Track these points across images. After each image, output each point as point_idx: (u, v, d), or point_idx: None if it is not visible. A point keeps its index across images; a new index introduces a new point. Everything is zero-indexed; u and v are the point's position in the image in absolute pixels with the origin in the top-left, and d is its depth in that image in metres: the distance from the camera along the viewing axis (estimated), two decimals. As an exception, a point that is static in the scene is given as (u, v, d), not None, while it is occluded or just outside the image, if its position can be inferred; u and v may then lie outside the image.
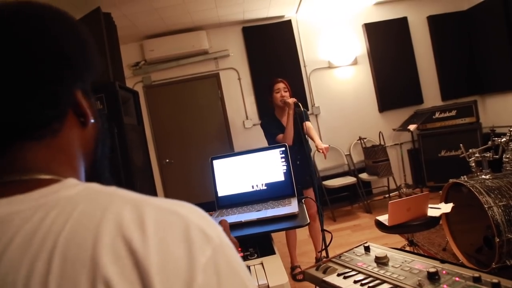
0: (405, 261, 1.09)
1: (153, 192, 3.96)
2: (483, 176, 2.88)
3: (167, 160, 5.16)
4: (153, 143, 5.16)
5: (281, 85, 3.25)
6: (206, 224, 0.47)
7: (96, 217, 0.43)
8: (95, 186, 0.48)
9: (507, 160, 2.70)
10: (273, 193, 1.66)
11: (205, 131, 5.22)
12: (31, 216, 0.42)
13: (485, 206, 2.54)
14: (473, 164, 3.07)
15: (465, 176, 3.00)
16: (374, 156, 4.78)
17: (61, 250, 0.40)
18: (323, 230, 1.74)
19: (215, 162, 1.75)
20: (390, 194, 5.17)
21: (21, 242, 0.41)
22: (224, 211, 1.63)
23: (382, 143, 4.93)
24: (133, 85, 5.09)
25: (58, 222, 0.42)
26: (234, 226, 1.42)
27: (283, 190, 1.66)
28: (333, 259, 1.19)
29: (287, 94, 3.24)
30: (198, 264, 0.43)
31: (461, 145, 3.16)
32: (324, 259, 1.21)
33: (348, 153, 5.29)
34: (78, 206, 0.43)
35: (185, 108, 5.20)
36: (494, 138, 2.91)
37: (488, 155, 2.90)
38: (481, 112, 5.26)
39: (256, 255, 1.26)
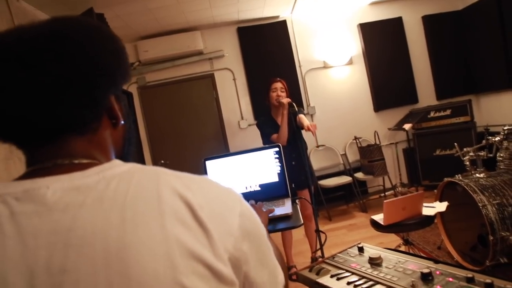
0: (399, 261, 1.09)
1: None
2: (477, 175, 2.89)
3: (162, 161, 5.13)
4: (148, 144, 5.14)
5: (278, 85, 3.23)
6: (229, 190, 0.63)
7: (153, 182, 0.55)
8: (139, 165, 0.59)
9: (501, 159, 2.71)
10: (267, 194, 1.66)
11: (200, 132, 5.20)
12: (95, 186, 0.53)
13: (479, 204, 2.55)
14: (468, 163, 3.08)
15: (459, 175, 3.01)
16: (370, 156, 4.78)
17: (130, 204, 0.52)
18: (317, 231, 1.73)
19: (208, 163, 1.75)
20: (386, 193, 5.18)
21: (91, 203, 0.51)
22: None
23: (378, 142, 4.94)
24: (127, 86, 5.06)
25: (121, 188, 0.53)
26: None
27: (277, 190, 1.65)
28: (327, 260, 1.18)
29: (283, 94, 3.22)
30: (235, 211, 0.59)
31: (455, 144, 3.17)
32: (318, 260, 1.20)
33: (344, 152, 5.29)
34: (134, 176, 0.55)
35: (180, 108, 5.18)
36: (488, 137, 2.92)
37: (483, 154, 2.92)
38: (476, 111, 5.27)
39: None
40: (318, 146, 5.28)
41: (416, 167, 5.17)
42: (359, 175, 5.00)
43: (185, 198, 0.54)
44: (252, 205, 1.32)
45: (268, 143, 3.26)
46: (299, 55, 5.27)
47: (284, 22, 5.22)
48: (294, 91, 5.16)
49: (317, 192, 4.91)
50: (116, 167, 0.57)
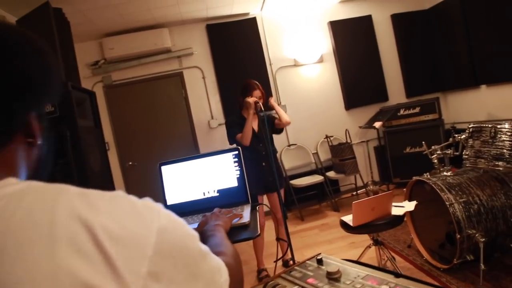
0: (358, 275, 1.02)
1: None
2: (445, 173, 2.91)
3: (130, 163, 4.98)
4: (115, 145, 4.96)
5: (258, 94, 3.17)
6: (146, 202, 0.56)
7: (48, 203, 0.47)
8: (38, 182, 0.52)
9: (466, 157, 2.72)
10: (225, 200, 1.57)
11: (169, 132, 5.06)
12: None
13: (446, 203, 2.55)
14: (436, 161, 3.09)
15: (427, 174, 3.01)
16: (341, 154, 4.77)
17: (14, 230, 0.44)
18: (278, 239, 1.66)
19: (163, 168, 1.65)
20: (358, 192, 5.19)
21: None
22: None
23: (349, 141, 4.93)
24: (92, 85, 4.87)
25: (7, 210, 0.45)
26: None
27: (236, 196, 1.57)
28: (283, 275, 1.11)
29: (261, 101, 3.13)
30: (151, 228, 0.52)
31: (423, 142, 3.18)
32: (270, 277, 1.12)
33: (315, 151, 5.27)
34: (26, 197, 0.48)
35: (148, 108, 5.02)
36: (455, 135, 2.94)
37: (449, 152, 2.93)
38: (444, 109, 5.36)
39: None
40: (289, 145, 5.24)
41: (387, 165, 5.20)
42: (331, 174, 4.98)
43: (85, 220, 0.47)
44: (212, 213, 1.24)
45: (233, 143, 3.24)
46: (269, 52, 5.21)
47: (254, 20, 5.14)
48: (265, 89, 5.06)
49: (289, 192, 4.87)
50: (9, 186, 0.49)
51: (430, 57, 5.46)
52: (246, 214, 1.41)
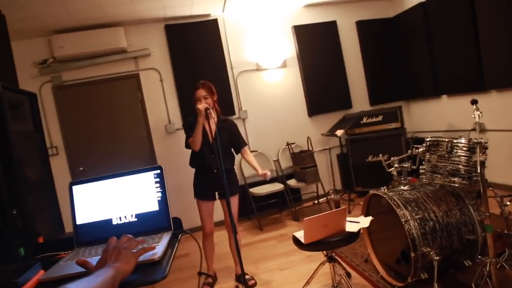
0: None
1: (54, 206, 3.49)
2: (402, 187, 2.81)
3: (81, 169, 4.66)
4: (65, 149, 4.63)
5: (201, 93, 2.99)
6: None
7: None
8: None
9: (423, 171, 2.63)
10: (145, 226, 1.37)
11: (124, 137, 4.78)
12: None
13: (402, 220, 2.45)
14: (395, 173, 3.00)
15: (385, 187, 2.91)
16: (302, 162, 4.65)
17: None
18: (200, 274, 1.47)
19: (75, 188, 1.43)
20: (319, 201, 5.08)
21: None
22: (80, 251, 1.31)
23: (310, 148, 4.82)
24: (40, 85, 4.54)
25: None
26: (77, 278, 1.12)
27: (156, 222, 1.37)
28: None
29: (208, 101, 2.98)
30: None
31: (380, 155, 3.09)
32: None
33: (277, 158, 5.13)
34: None
35: (101, 111, 4.73)
36: (413, 146, 2.84)
37: (407, 165, 2.83)
38: (406, 118, 5.35)
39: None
40: (250, 152, 5.05)
41: (349, 173, 5.12)
42: (292, 182, 4.85)
43: None
44: (116, 247, 0.99)
45: (187, 146, 3.14)
46: (231, 56, 5.02)
47: (215, 21, 4.94)
48: (225, 94, 4.91)
49: (248, 201, 4.70)
50: None
51: (394, 66, 5.44)
52: (161, 245, 1.21)
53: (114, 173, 1.40)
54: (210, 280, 3.27)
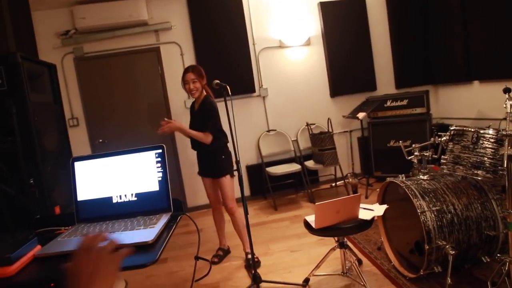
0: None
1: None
2: (421, 176, 2.69)
3: (100, 140, 4.72)
4: (85, 121, 4.69)
5: (190, 76, 3.04)
6: None
7: None
8: None
9: (444, 161, 2.49)
10: (144, 206, 1.34)
11: (142, 109, 4.79)
12: None
13: (418, 210, 2.35)
14: (415, 160, 2.87)
15: (403, 175, 2.79)
16: (321, 144, 4.54)
17: None
18: (196, 258, 1.44)
19: (76, 164, 1.41)
20: (337, 183, 5.00)
21: None
22: (80, 228, 1.30)
23: (330, 130, 4.69)
24: (62, 56, 4.56)
25: None
26: (71, 256, 1.10)
27: (156, 202, 1.34)
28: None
29: (196, 85, 3.05)
30: None
31: (401, 141, 2.95)
32: None
33: (295, 139, 5.03)
34: None
35: (122, 84, 4.74)
36: (437, 134, 2.70)
37: (428, 154, 2.70)
38: (433, 103, 5.13)
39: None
40: (268, 131, 4.99)
41: (369, 157, 4.99)
42: (310, 163, 4.76)
43: None
44: (84, 259, 0.72)
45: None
46: (253, 32, 4.89)
47: (239, -5, 4.80)
48: (246, 70, 4.82)
49: (264, 180, 4.68)
50: None
51: (424, 48, 5.16)
52: (157, 228, 1.18)
53: (116, 151, 1.37)
54: (220, 252, 3.33)
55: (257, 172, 4.89)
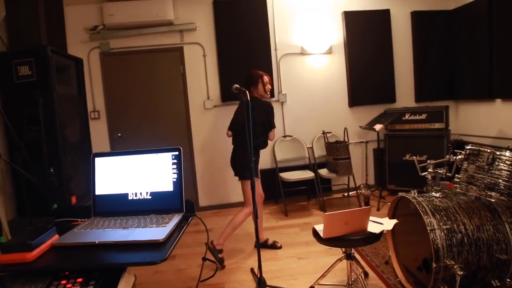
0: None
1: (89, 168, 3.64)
2: (434, 194, 2.68)
3: (119, 134, 4.83)
4: (106, 115, 4.81)
5: (269, 79, 3.46)
6: None
7: None
8: None
9: (458, 180, 2.48)
10: (158, 205, 1.39)
11: (162, 107, 4.88)
12: None
13: (427, 228, 2.34)
14: (429, 177, 2.85)
15: (415, 191, 2.77)
16: (336, 153, 4.55)
17: None
18: (204, 259, 1.48)
19: (97, 160, 1.47)
20: (349, 193, 4.99)
21: None
22: (95, 221, 1.36)
23: (346, 139, 4.69)
24: (89, 50, 4.70)
25: None
26: (86, 248, 1.16)
27: (170, 202, 1.39)
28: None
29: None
30: None
31: (415, 157, 2.94)
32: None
33: (311, 146, 5.05)
34: None
35: (144, 80, 4.84)
36: (453, 151, 2.68)
37: (441, 172, 2.69)
38: (453, 118, 5.07)
39: (91, 293, 1.00)
40: (284, 136, 5.02)
41: (384, 170, 4.96)
42: (323, 171, 4.77)
43: None
44: None
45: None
46: (276, 37, 4.93)
47: (264, 0, 4.84)
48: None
49: (277, 185, 4.71)
50: None
51: (447, 63, 5.12)
52: (168, 227, 1.23)
53: (135, 150, 1.43)
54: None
55: (270, 176, 4.92)
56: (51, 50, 2.97)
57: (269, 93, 3.46)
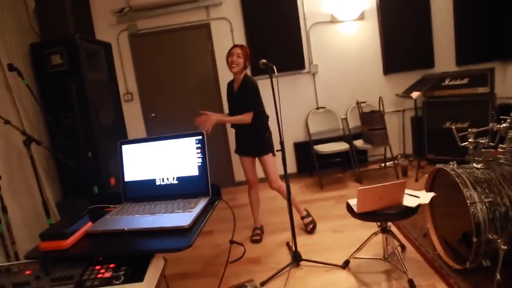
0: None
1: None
2: (475, 164, 2.53)
3: (153, 115, 4.93)
4: (138, 96, 4.90)
5: (237, 50, 3.12)
6: None
7: None
8: None
9: (502, 150, 2.33)
10: (184, 189, 1.41)
11: (193, 85, 4.90)
12: None
13: (468, 201, 2.23)
14: (471, 146, 2.70)
15: (455, 163, 2.64)
16: (371, 123, 4.41)
17: None
18: (231, 242, 1.49)
19: (124, 147, 1.50)
20: (386, 164, 4.86)
21: None
22: (126, 207, 1.40)
23: (381, 109, 4.53)
24: (117, 33, 4.74)
25: None
26: (117, 234, 1.20)
27: (195, 187, 1.40)
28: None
29: (239, 60, 3.10)
30: None
31: (453, 126, 2.78)
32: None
33: (345, 117, 4.92)
34: None
35: (173, 60, 4.85)
36: (498, 118, 2.50)
37: (483, 141, 2.53)
38: (501, 82, 4.72)
39: (122, 279, 1.03)
40: (317, 108, 4.92)
41: (422, 139, 4.76)
42: (359, 143, 4.65)
43: None
44: None
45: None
46: (304, 6, 4.75)
47: (291, -32, 4.65)
48: (296, 47, 4.74)
49: (312, 158, 4.66)
50: None
51: (493, 19, 4.68)
52: (194, 212, 1.24)
53: (160, 136, 1.44)
54: (257, 231, 3.42)
55: (304, 149, 4.87)
56: (79, 37, 3.02)
57: (232, 67, 3.11)
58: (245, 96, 3.11)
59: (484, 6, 4.70)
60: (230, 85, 3.35)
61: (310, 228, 3.37)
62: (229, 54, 3.13)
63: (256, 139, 3.20)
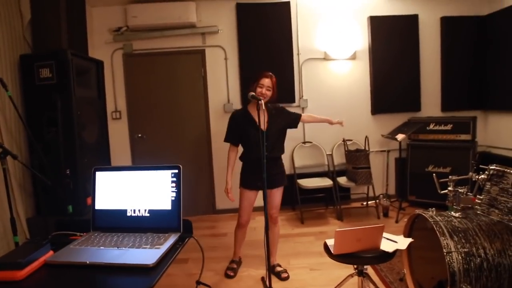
0: None
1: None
2: (453, 213, 2.55)
3: (139, 135, 4.89)
4: (127, 115, 4.87)
5: (267, 82, 2.94)
6: None
7: None
8: None
9: (479, 201, 2.35)
10: (155, 223, 1.37)
11: (182, 109, 4.90)
12: None
13: (444, 250, 2.23)
14: (450, 194, 2.72)
15: (433, 209, 2.65)
16: (355, 162, 4.44)
17: None
18: (198, 282, 1.45)
19: (98, 174, 1.46)
20: (368, 203, 4.86)
21: None
22: (93, 236, 1.36)
23: (367, 148, 4.57)
24: (112, 51, 4.76)
25: None
26: (77, 267, 1.15)
27: (167, 221, 1.37)
28: None
29: (268, 93, 2.95)
30: None
31: (434, 175, 2.81)
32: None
33: (330, 153, 4.95)
34: None
35: (165, 82, 4.87)
36: (477, 167, 2.54)
37: (462, 191, 2.55)
38: (481, 130, 4.85)
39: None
40: (304, 142, 4.94)
41: (405, 180, 4.80)
42: (342, 180, 4.66)
43: None
44: None
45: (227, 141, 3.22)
46: (299, 42, 4.85)
47: (287, 4, 4.78)
48: (288, 80, 4.80)
49: (295, 192, 4.64)
50: None
51: (477, 71, 4.89)
52: (162, 249, 1.21)
53: (135, 166, 1.41)
54: (234, 265, 3.32)
55: (288, 182, 4.84)
56: (71, 53, 3.01)
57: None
58: (287, 116, 3.15)
59: (470, 59, 4.89)
60: (243, 115, 3.07)
61: (285, 276, 3.14)
62: (258, 84, 2.93)
63: (279, 167, 3.16)
